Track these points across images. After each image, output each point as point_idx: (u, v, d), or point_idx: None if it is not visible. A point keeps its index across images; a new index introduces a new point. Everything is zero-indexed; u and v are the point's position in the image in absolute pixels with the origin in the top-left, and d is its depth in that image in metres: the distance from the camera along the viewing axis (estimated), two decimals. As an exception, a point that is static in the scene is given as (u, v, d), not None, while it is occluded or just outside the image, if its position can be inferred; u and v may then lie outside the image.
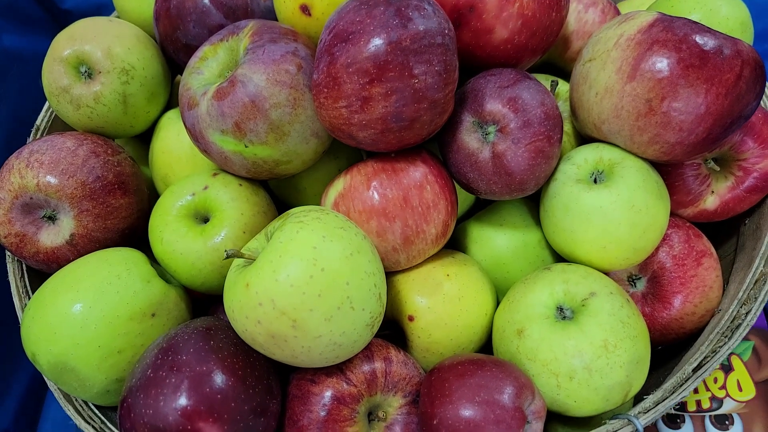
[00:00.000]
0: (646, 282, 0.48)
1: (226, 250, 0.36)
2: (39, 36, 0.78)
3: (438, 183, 0.42)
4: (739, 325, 0.43)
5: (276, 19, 0.49)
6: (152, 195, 0.52)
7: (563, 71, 0.54)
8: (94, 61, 0.46)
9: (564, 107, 0.50)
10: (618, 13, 0.52)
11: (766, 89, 0.53)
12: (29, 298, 0.48)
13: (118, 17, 0.62)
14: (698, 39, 0.38)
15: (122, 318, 0.40)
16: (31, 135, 0.56)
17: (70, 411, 0.42)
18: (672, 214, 0.50)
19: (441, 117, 0.40)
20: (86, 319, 0.39)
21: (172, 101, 0.54)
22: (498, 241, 0.49)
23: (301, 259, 0.34)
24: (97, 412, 0.43)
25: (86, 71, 0.46)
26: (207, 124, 0.41)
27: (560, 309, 0.41)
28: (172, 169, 0.50)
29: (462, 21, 0.43)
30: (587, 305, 0.40)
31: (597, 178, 0.44)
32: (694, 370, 0.42)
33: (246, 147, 0.41)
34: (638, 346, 0.40)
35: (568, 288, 0.41)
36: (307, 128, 0.42)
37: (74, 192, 0.44)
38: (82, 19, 0.49)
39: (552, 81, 0.48)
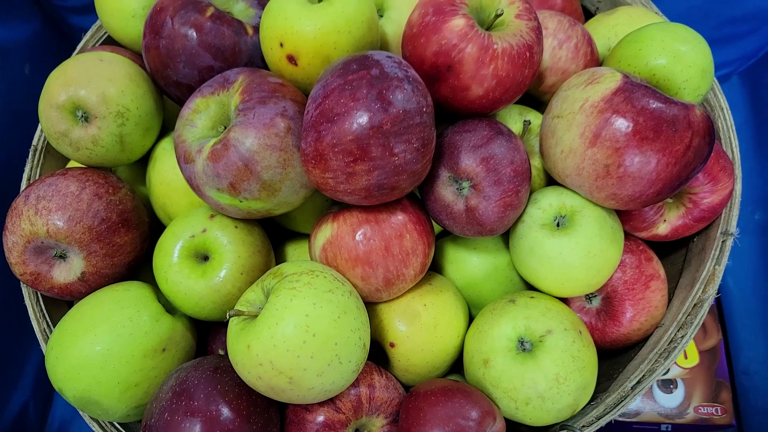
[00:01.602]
0: (601, 300, 0.55)
1: (228, 312, 0.41)
2: (20, 22, 0.77)
3: (416, 230, 0.47)
4: (675, 347, 0.50)
5: (262, 53, 0.51)
6: (151, 216, 0.56)
7: (537, 100, 0.56)
8: (90, 106, 0.48)
9: (535, 141, 0.54)
10: (590, 46, 0.54)
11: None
12: (45, 320, 0.53)
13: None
14: (654, 112, 0.42)
15: (137, 356, 0.45)
16: (29, 155, 0.58)
17: (95, 427, 0.49)
18: (628, 235, 0.55)
19: (419, 180, 0.44)
20: (105, 360, 0.44)
21: (165, 126, 0.57)
22: (471, 263, 0.54)
23: (295, 327, 0.39)
24: (119, 427, 0.49)
25: (83, 115, 0.48)
26: (203, 181, 0.44)
27: (521, 342, 0.47)
28: (170, 199, 0.54)
29: (440, 77, 0.46)
30: (544, 341, 0.46)
31: (560, 222, 0.48)
32: (633, 387, 0.49)
33: (240, 201, 0.45)
34: (585, 375, 0.46)
35: (528, 324, 0.47)
36: (296, 183, 0.46)
37: (82, 237, 0.47)
38: (72, 59, 0.50)
39: (525, 121, 0.52)
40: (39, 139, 0.59)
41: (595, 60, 0.54)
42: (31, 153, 0.58)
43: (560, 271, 0.48)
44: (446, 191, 0.46)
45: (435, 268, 0.56)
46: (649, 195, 0.44)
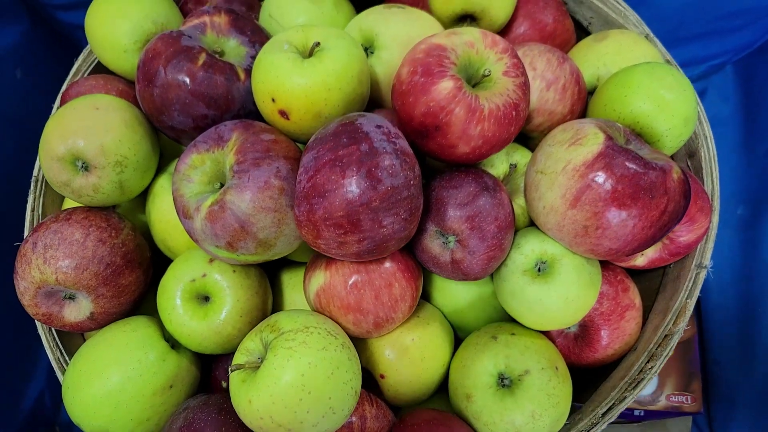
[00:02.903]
0: (578, 326, 0.58)
1: (230, 367, 0.44)
2: (8, 26, 0.76)
3: (404, 277, 0.50)
4: (644, 378, 0.54)
5: (254, 100, 0.52)
6: (152, 246, 0.59)
7: (525, 136, 0.58)
8: (89, 158, 0.49)
9: (522, 180, 0.55)
10: (578, 84, 0.55)
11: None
12: (59, 349, 0.57)
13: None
14: (632, 179, 0.44)
15: (147, 395, 0.49)
16: (31, 186, 0.60)
17: (111, 450, 0.53)
18: (607, 264, 0.58)
19: (407, 240, 0.46)
20: (118, 400, 0.48)
21: (161, 161, 0.58)
22: (458, 292, 0.58)
23: (292, 386, 0.42)
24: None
25: (83, 165, 0.50)
26: (202, 238, 0.47)
27: (501, 378, 0.51)
28: (170, 235, 0.56)
29: (428, 135, 0.47)
30: (522, 380, 0.50)
31: (540, 268, 0.51)
32: (604, 414, 0.54)
33: (238, 256, 0.48)
34: (559, 409, 0.50)
35: (508, 362, 0.51)
36: (290, 237, 0.48)
37: (89, 283, 0.50)
38: (68, 108, 0.51)
39: (511, 165, 0.53)
40: (39, 171, 0.60)
41: (582, 99, 0.55)
42: (33, 184, 0.60)
43: (539, 313, 0.51)
44: (433, 244, 0.49)
45: (423, 295, 0.60)
46: (625, 251, 0.47)
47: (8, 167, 0.75)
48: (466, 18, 0.60)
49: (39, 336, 0.83)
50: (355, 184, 0.41)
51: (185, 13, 0.64)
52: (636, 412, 0.85)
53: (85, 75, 0.63)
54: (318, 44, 0.47)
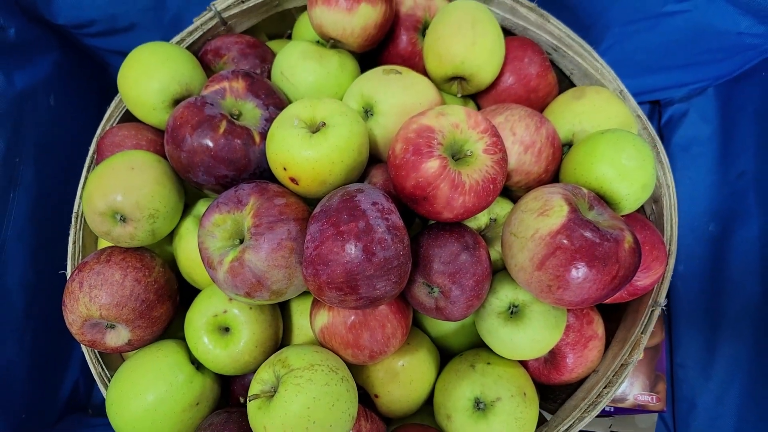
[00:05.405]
0: (548, 352, 0.67)
1: (248, 397, 0.54)
2: (41, 58, 0.83)
3: (396, 317, 0.58)
4: (601, 401, 0.63)
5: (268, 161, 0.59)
6: (178, 277, 0.67)
7: (506, 188, 0.65)
8: (126, 212, 0.58)
9: (501, 229, 0.63)
10: (553, 147, 0.62)
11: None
12: (100, 365, 0.66)
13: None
14: (589, 249, 0.51)
15: (177, 412, 0.59)
16: (72, 221, 0.68)
17: (147, 452, 0.63)
18: (576, 299, 0.67)
19: (398, 294, 0.54)
20: (154, 418, 0.58)
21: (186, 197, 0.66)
22: (444, 321, 0.66)
23: (300, 416, 0.52)
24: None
25: (121, 217, 0.58)
26: (224, 287, 0.55)
27: (477, 402, 0.60)
28: (195, 270, 0.64)
29: (418, 202, 0.55)
30: (495, 405, 0.59)
31: (513, 311, 0.60)
32: (566, 431, 0.63)
33: (254, 300, 0.56)
34: (525, 429, 0.60)
35: (483, 389, 0.60)
36: (299, 286, 0.56)
37: (128, 317, 0.59)
38: (108, 168, 0.58)
39: (491, 219, 0.61)
40: (79, 207, 0.68)
41: (556, 159, 0.63)
42: (73, 219, 0.68)
43: (511, 349, 0.60)
44: (420, 292, 0.57)
45: (414, 322, 0.68)
46: (582, 305, 0.55)
47: (46, 186, 0.83)
48: (457, 78, 0.66)
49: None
50: (353, 256, 0.49)
51: (204, 63, 0.71)
52: (607, 408, 0.94)
53: (117, 119, 0.70)
54: (324, 124, 0.55)
